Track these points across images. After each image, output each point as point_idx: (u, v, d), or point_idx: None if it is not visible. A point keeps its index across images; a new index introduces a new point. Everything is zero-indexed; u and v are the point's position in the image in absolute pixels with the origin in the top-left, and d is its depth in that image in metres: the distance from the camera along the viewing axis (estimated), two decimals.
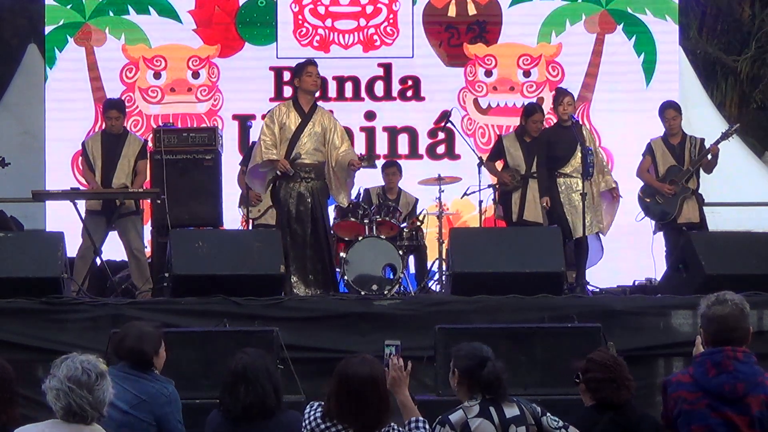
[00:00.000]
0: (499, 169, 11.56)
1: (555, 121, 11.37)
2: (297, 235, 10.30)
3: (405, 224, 11.68)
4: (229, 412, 5.63)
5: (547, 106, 12.98)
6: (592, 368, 6.00)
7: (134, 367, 5.92)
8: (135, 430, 5.80)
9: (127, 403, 5.80)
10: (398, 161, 12.80)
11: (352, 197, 11.47)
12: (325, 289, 10.26)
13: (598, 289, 10.66)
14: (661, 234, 11.34)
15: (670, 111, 11.33)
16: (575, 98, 11.54)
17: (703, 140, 11.24)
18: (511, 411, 5.43)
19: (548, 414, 5.60)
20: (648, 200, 11.30)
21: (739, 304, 4.87)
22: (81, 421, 4.41)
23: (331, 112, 12.86)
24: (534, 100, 13.23)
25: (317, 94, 13.23)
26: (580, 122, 11.50)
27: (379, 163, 12.74)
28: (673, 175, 11.18)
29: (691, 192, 11.18)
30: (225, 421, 5.65)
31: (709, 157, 11.10)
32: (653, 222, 11.37)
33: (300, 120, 10.40)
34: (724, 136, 11.20)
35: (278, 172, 10.34)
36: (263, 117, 11.99)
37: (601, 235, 11.29)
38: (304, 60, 10.77)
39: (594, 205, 11.02)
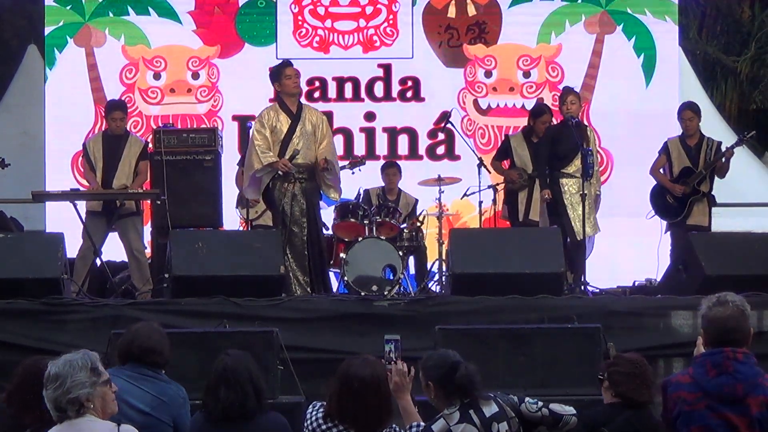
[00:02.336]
0: (507, 169, 11.54)
1: (559, 120, 11.33)
2: (295, 235, 10.28)
3: (405, 225, 11.68)
4: (210, 413, 5.65)
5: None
6: (618, 363, 6.04)
7: (148, 367, 5.93)
8: (155, 431, 5.82)
9: (147, 405, 5.80)
10: (398, 162, 12.80)
11: (352, 198, 11.48)
12: (321, 290, 10.25)
13: (598, 290, 10.65)
14: (668, 234, 11.34)
15: (687, 112, 11.31)
16: (580, 97, 11.50)
17: (720, 143, 11.23)
18: (490, 409, 5.39)
19: (526, 399, 5.57)
20: (658, 199, 11.29)
21: (740, 305, 4.88)
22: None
23: (331, 112, 12.88)
24: (534, 100, 13.24)
25: (317, 94, 13.34)
26: (584, 123, 11.46)
27: (379, 163, 12.76)
28: (686, 177, 11.16)
29: (702, 195, 11.16)
30: (206, 422, 5.67)
31: (723, 160, 11.09)
32: (663, 222, 11.36)
33: (290, 121, 10.37)
34: (740, 142, 11.22)
35: (279, 173, 10.30)
36: None
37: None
38: (279, 63, 10.75)
39: (593, 206, 11.02)
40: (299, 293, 10.05)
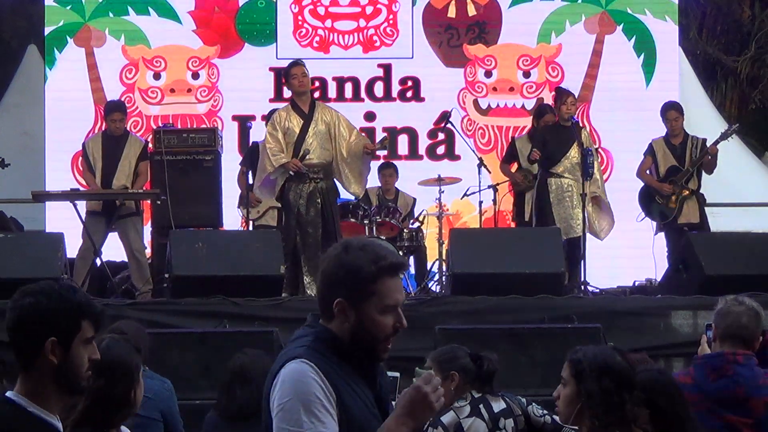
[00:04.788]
0: (513, 171, 11.55)
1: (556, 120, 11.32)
2: (309, 236, 10.15)
3: (405, 224, 11.69)
4: (225, 412, 5.64)
5: None
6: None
7: None
8: (147, 429, 5.80)
9: None
10: (397, 162, 12.79)
11: (352, 198, 11.46)
12: None
13: (598, 290, 10.65)
14: (662, 234, 11.34)
15: (672, 112, 11.32)
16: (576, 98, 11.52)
17: (704, 140, 11.23)
18: (498, 405, 5.44)
19: (533, 404, 5.61)
20: (647, 200, 11.30)
21: (756, 307, 4.96)
22: None
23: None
24: (534, 100, 13.24)
25: (317, 94, 13.34)
26: (580, 123, 11.46)
27: (377, 164, 12.74)
28: (673, 176, 11.18)
29: (691, 192, 11.17)
30: (221, 420, 5.66)
31: (709, 156, 11.09)
32: (654, 222, 11.37)
33: (302, 122, 10.30)
34: (724, 136, 11.19)
35: (291, 173, 10.20)
36: (263, 117, 12.04)
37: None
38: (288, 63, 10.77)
39: (579, 207, 10.99)
40: (312, 294, 9.96)
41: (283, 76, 10.60)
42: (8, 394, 3.19)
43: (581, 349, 4.30)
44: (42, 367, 3.15)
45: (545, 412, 5.59)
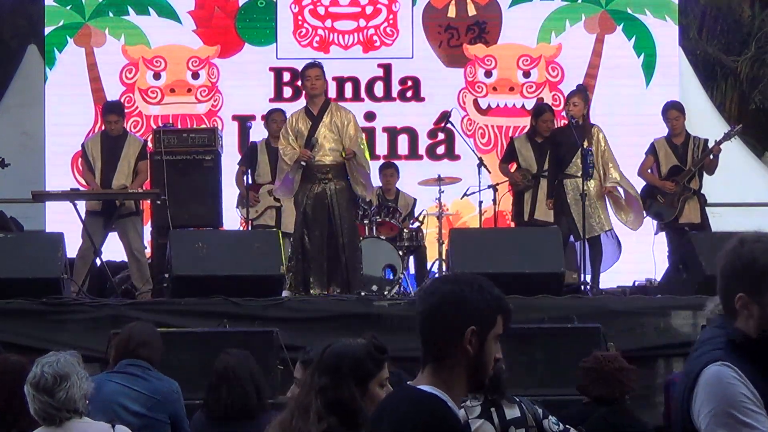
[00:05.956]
0: (512, 171, 11.57)
1: (566, 121, 11.34)
2: (314, 236, 10.10)
3: (405, 224, 11.68)
4: (212, 412, 5.66)
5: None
6: (587, 360, 6.10)
7: (140, 366, 5.93)
8: (155, 431, 5.81)
9: (143, 406, 5.80)
10: (397, 162, 12.78)
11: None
12: (345, 289, 10.06)
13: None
14: (662, 234, 11.34)
15: (672, 111, 11.33)
16: (587, 97, 11.49)
17: (706, 140, 11.24)
18: (512, 412, 5.41)
19: (550, 417, 5.58)
20: (649, 200, 11.30)
21: None
22: (53, 423, 4.36)
23: None
24: (533, 100, 13.23)
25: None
26: (591, 123, 11.41)
27: (377, 164, 12.74)
28: (675, 175, 11.18)
29: (692, 192, 11.17)
30: (208, 420, 5.68)
31: (711, 156, 11.10)
32: (655, 222, 11.37)
33: (310, 124, 10.27)
34: (727, 137, 11.20)
35: (303, 163, 10.15)
36: (263, 117, 12.05)
37: (611, 234, 11.22)
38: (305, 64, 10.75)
39: (598, 205, 11.01)
40: (315, 293, 9.92)
41: (299, 76, 10.55)
42: (425, 387, 3.11)
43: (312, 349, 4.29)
44: (457, 357, 3.09)
45: (563, 427, 5.56)
